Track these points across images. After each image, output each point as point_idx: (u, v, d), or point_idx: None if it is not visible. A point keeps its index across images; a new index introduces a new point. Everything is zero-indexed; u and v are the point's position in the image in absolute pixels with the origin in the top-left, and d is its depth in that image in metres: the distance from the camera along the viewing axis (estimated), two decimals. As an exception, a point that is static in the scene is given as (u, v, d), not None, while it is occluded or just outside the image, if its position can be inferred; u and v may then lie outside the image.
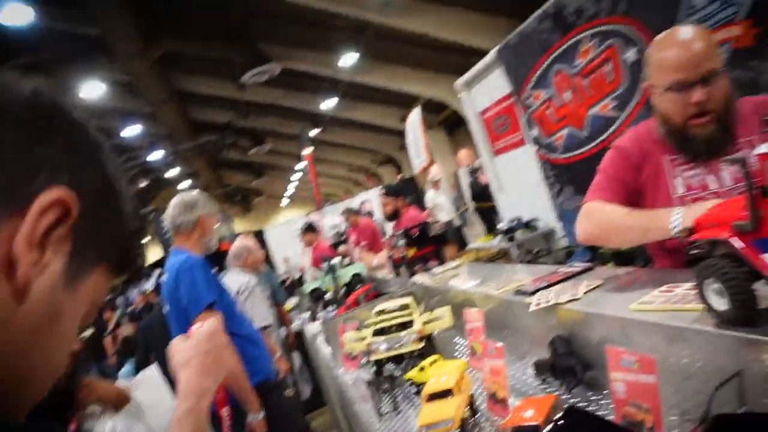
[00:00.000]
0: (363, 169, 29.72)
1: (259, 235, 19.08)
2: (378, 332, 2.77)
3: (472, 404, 2.02)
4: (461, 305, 2.99)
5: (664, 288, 1.67)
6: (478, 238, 11.26)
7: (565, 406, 1.20)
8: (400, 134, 14.86)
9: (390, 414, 2.34)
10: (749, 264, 1.17)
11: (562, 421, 1.15)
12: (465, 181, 13.03)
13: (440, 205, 13.11)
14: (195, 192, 3.34)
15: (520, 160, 8.03)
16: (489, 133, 8.17)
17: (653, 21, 4.34)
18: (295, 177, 28.25)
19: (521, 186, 8.54)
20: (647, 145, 2.18)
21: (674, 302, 1.53)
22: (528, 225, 8.41)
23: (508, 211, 9.25)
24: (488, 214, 10.98)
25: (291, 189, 32.36)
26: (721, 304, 1.27)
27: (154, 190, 24.32)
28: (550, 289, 2.19)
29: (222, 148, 20.27)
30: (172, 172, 22.96)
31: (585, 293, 1.94)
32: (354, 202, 14.97)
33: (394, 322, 2.78)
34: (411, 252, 3.96)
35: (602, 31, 5.17)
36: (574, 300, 1.93)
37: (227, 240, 17.61)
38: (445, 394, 1.95)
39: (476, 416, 2.01)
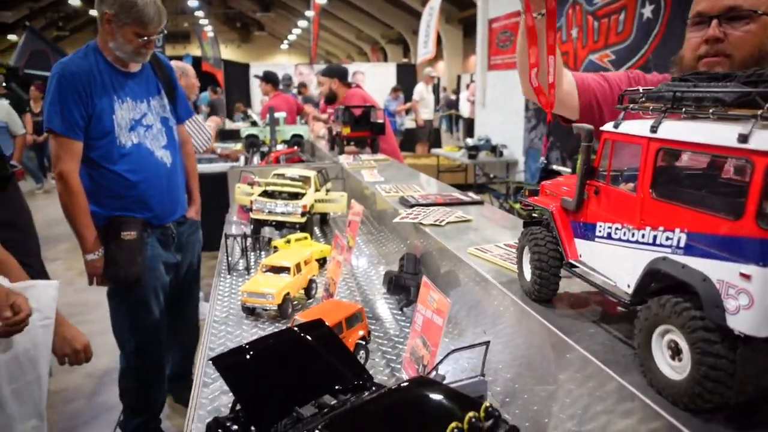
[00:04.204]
0: (372, 40, 28.28)
1: (245, 69, 18.31)
2: (266, 194, 2.69)
3: (309, 288, 2.01)
4: (361, 197, 2.92)
5: (512, 242, 1.61)
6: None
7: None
8: (419, 17, 13.96)
9: (242, 272, 2.32)
10: (560, 244, 1.10)
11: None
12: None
13: (426, 102, 12.74)
14: None
15: (509, 82, 7.72)
16: (491, 44, 7.73)
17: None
18: (302, 24, 26.68)
19: (502, 109, 8.29)
20: None
21: (505, 259, 1.48)
22: (494, 149, 8.29)
23: (482, 128, 9.06)
24: (470, 126, 10.75)
25: (294, 35, 30.73)
26: (529, 274, 1.22)
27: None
28: (430, 208, 2.13)
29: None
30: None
31: (449, 223, 1.88)
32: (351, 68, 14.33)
33: (285, 189, 2.70)
34: (345, 130, 3.80)
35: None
36: (436, 225, 1.87)
37: (210, 62, 16.83)
38: (280, 270, 1.92)
39: (309, 301, 2.01)
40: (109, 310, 2.67)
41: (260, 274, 1.94)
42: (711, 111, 0.76)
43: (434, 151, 10.08)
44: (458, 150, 9.05)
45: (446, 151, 9.46)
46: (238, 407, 0.93)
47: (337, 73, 4.83)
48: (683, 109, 0.80)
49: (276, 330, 1.72)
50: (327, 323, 1.42)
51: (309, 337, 1.01)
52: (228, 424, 0.88)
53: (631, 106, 0.93)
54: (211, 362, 0.94)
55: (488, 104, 8.67)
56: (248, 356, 0.94)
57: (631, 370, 0.92)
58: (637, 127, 0.87)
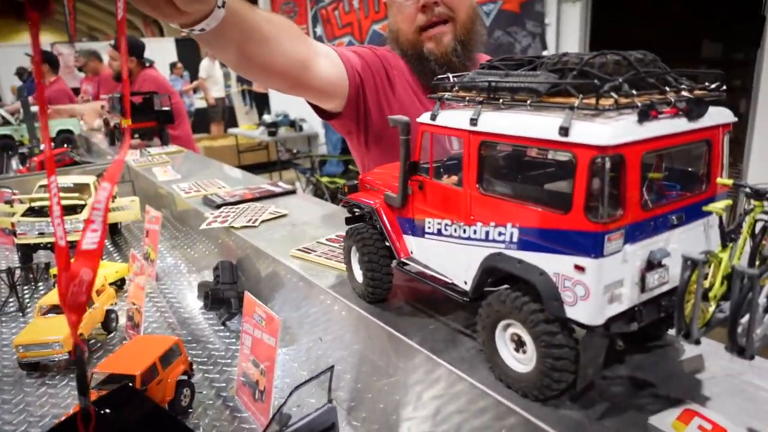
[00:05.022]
0: (142, 13, 25.61)
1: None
2: (33, 211, 2.22)
3: (108, 322, 1.70)
4: (156, 198, 2.59)
5: (333, 235, 1.53)
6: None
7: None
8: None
9: (14, 315, 1.89)
10: (389, 241, 1.04)
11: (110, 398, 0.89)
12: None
13: (214, 79, 11.99)
14: None
15: (300, 55, 7.59)
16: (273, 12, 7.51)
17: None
18: (51, -7, 22.92)
19: (296, 83, 8.15)
20: (393, 71, 1.73)
21: (330, 257, 1.39)
22: (293, 123, 8.16)
23: (278, 104, 8.84)
24: (263, 101, 10.41)
25: (43, 7, 26.32)
26: (360, 276, 1.14)
27: None
28: (239, 206, 1.94)
29: None
30: None
31: (263, 221, 1.73)
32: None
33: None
34: (125, 122, 3.32)
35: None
36: (249, 227, 1.70)
37: None
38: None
39: (110, 335, 1.70)
40: None
41: (39, 318, 1.58)
42: (528, 102, 0.73)
43: (231, 130, 9.60)
44: (256, 127, 8.73)
45: (244, 130, 9.07)
46: None
47: (135, 49, 4.21)
48: (500, 100, 0.78)
49: (70, 386, 1.41)
50: (135, 371, 1.20)
51: (114, 412, 0.80)
52: None
53: (445, 95, 0.88)
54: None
55: (281, 78, 8.47)
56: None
57: (478, 366, 0.90)
58: (457, 118, 0.83)
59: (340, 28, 5.97)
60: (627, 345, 0.90)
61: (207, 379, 1.42)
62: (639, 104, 0.68)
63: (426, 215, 0.95)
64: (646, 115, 0.67)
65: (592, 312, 0.70)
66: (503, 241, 0.79)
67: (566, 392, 0.80)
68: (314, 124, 8.19)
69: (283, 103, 8.53)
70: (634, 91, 0.69)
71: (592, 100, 0.67)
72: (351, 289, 1.21)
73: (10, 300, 1.92)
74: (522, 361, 0.81)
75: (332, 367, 0.90)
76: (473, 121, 0.79)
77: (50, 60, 6.42)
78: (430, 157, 0.91)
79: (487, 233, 0.81)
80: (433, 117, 0.88)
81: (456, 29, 1.63)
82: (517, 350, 0.81)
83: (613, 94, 0.67)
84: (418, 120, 0.91)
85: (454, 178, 0.89)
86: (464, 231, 0.86)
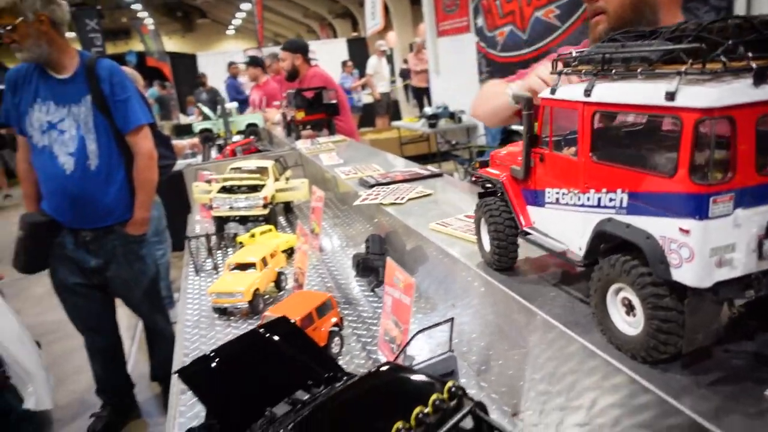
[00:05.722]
0: (319, 16, 27.69)
1: (191, 60, 17.76)
2: (225, 189, 2.65)
3: (279, 281, 2.00)
4: (322, 181, 2.90)
5: (472, 213, 1.62)
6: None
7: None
8: (363, -12, 13.69)
9: (210, 272, 2.29)
10: (514, 212, 1.11)
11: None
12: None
13: (380, 75, 12.62)
14: None
15: (461, 47, 7.69)
16: (437, 10, 7.65)
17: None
18: (245, 6, 25.92)
19: (457, 74, 8.27)
20: None
21: (466, 231, 1.49)
22: (453, 115, 8.29)
23: (439, 96, 9.03)
24: (424, 95, 10.73)
25: (239, 19, 29.88)
26: (488, 245, 1.23)
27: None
28: (389, 186, 2.12)
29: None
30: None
31: (410, 199, 1.88)
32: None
33: (244, 183, 2.66)
34: (299, 115, 3.74)
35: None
36: (396, 204, 1.87)
37: (155, 57, 16.24)
38: (247, 266, 1.90)
39: (280, 293, 1.99)
40: None
41: (227, 273, 1.91)
42: (639, 70, 0.76)
43: (394, 123, 10.03)
44: (418, 120, 9.02)
45: (406, 123, 9.43)
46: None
47: (302, 49, 4.69)
48: (613, 71, 0.81)
49: (249, 328, 1.71)
50: (296, 317, 1.42)
51: (274, 337, 1.00)
52: (202, 433, 0.87)
53: (565, 70, 0.93)
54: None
55: (442, 71, 8.64)
56: (214, 364, 0.93)
57: (591, 330, 0.94)
58: (572, 91, 0.88)
59: (501, 18, 5.94)
60: (760, 321, 0.87)
61: (355, 334, 1.61)
62: (755, 67, 0.67)
63: (546, 186, 1.00)
64: (762, 77, 0.67)
65: (697, 274, 0.71)
66: (613, 207, 0.82)
67: (678, 358, 0.81)
68: (473, 115, 8.21)
69: (444, 96, 8.70)
70: (750, 54, 0.68)
71: (700, 65, 0.68)
72: (481, 258, 1.29)
73: (207, 260, 2.34)
74: (631, 324, 0.84)
75: (452, 318, 1.00)
76: (587, 93, 0.83)
77: (261, 64, 7.10)
78: (549, 130, 0.97)
79: (599, 200, 0.85)
80: (553, 91, 0.94)
81: (609, 21, 1.69)
82: (627, 314, 0.84)
83: (722, 57, 0.67)
84: (540, 95, 0.97)
85: (572, 149, 0.93)
86: (579, 199, 0.90)
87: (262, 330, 1.01)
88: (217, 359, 0.94)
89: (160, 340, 3.19)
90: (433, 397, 0.70)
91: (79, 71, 2.60)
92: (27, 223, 2.72)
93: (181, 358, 1.63)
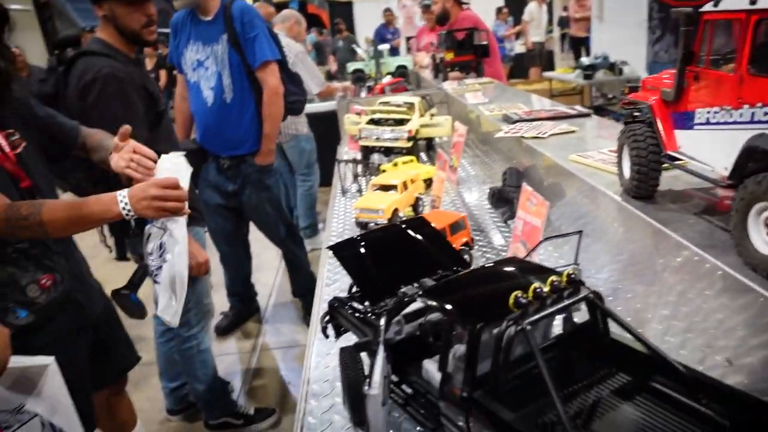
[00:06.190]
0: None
1: (348, 8, 18.25)
2: (373, 122, 2.81)
3: (416, 206, 2.13)
4: (466, 121, 2.95)
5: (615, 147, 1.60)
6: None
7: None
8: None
9: (354, 194, 2.50)
10: (658, 136, 1.10)
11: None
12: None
13: (537, 22, 11.98)
14: None
15: (630, -10, 7.02)
16: (608, -52, 7.03)
17: None
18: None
19: (622, 21, 7.60)
20: None
21: (606, 162, 1.47)
22: (612, 66, 7.69)
23: (599, 45, 8.40)
24: (582, 44, 10.04)
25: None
26: (628, 171, 1.23)
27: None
28: (533, 123, 2.12)
29: None
30: None
31: (551, 135, 1.88)
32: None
33: (391, 116, 2.80)
34: (448, 56, 3.76)
35: None
36: (538, 138, 1.88)
37: (315, 4, 16.95)
38: (389, 187, 2.05)
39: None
40: None
41: (371, 192, 2.08)
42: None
43: (546, 74, 9.56)
44: (572, 71, 8.51)
45: (559, 74, 8.95)
46: (354, 290, 1.08)
47: None
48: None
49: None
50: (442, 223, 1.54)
51: (412, 231, 1.12)
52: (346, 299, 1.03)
53: (731, -19, 0.89)
54: (329, 250, 1.10)
55: (606, 18, 8.00)
56: (360, 245, 1.08)
57: (727, 254, 0.93)
58: (738, 2, 0.84)
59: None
60: None
61: (484, 256, 1.70)
62: None
63: (697, 106, 0.98)
64: None
65: None
66: (767, 121, 0.80)
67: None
68: (637, 67, 7.56)
69: (605, 45, 8.08)
70: None
71: None
72: (620, 187, 1.29)
73: (353, 183, 2.55)
74: (771, 245, 0.82)
75: (580, 231, 1.04)
76: (753, 1, 0.80)
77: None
78: (708, 47, 0.93)
79: (752, 114, 0.83)
80: (716, 4, 0.90)
81: None
82: (768, 234, 0.82)
83: None
84: (701, 9, 0.93)
85: (730, 66, 0.90)
86: (731, 115, 0.88)
87: (402, 224, 1.13)
88: (363, 242, 1.09)
89: (295, 264, 3.54)
90: (552, 278, 0.76)
91: (219, 13, 2.90)
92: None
93: (325, 265, 1.83)
